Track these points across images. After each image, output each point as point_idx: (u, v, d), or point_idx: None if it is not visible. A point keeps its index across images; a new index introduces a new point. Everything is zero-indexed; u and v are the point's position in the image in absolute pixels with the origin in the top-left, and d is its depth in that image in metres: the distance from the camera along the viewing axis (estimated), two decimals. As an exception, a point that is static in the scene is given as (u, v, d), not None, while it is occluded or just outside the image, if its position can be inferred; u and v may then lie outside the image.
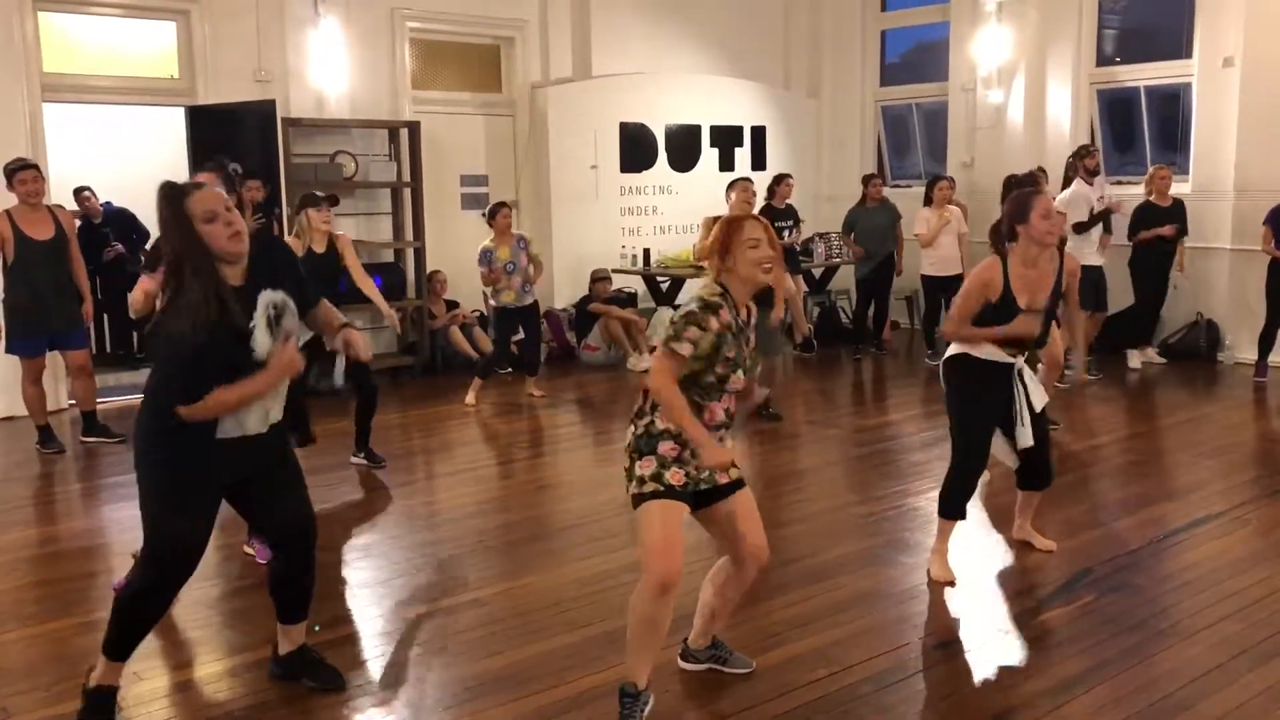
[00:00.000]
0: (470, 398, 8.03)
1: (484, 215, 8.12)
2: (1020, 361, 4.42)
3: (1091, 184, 8.61)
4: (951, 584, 4.43)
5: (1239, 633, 3.90)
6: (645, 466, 3.19)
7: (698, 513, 3.33)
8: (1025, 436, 4.43)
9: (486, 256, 7.84)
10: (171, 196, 3.07)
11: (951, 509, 4.53)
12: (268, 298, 3.19)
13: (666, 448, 3.19)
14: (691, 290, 3.10)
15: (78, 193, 9.72)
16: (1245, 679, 3.55)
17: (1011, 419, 4.43)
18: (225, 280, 3.09)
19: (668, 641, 3.42)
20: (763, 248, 3.22)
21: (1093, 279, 8.57)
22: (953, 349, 4.49)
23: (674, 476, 3.18)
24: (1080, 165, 8.70)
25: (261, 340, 3.15)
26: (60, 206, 7.24)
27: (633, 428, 3.27)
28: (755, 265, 3.22)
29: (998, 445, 4.57)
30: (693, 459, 3.18)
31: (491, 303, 8.14)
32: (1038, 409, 4.45)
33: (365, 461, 6.39)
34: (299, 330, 3.31)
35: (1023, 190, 4.51)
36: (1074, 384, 8.09)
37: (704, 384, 3.20)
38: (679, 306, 3.22)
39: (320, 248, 6.14)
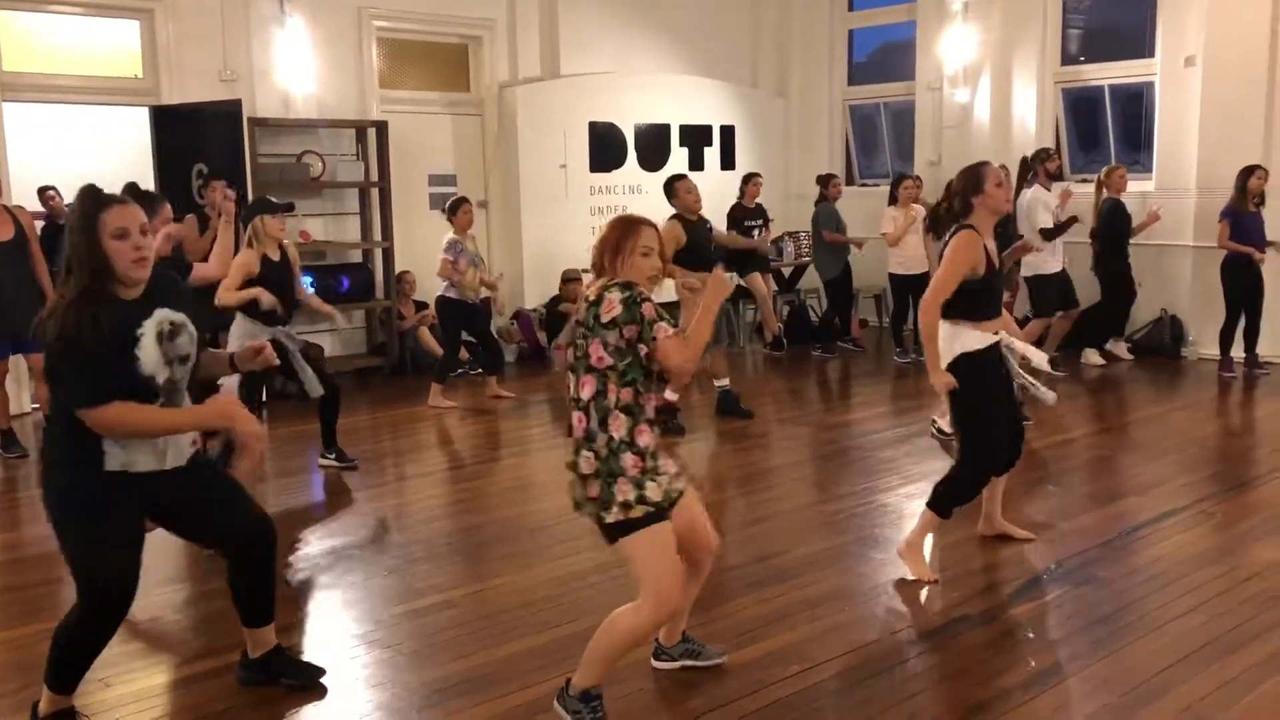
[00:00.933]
0: (438, 401, 7.94)
1: (444, 211, 8.00)
2: (1006, 337, 4.50)
3: (1049, 189, 8.67)
4: (934, 582, 4.43)
5: (1204, 624, 3.95)
6: (625, 490, 3.03)
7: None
8: (1046, 395, 4.56)
9: (456, 247, 7.75)
10: (89, 202, 3.08)
11: (955, 507, 4.53)
12: (164, 314, 3.14)
13: (631, 462, 3.05)
14: (667, 288, 3.07)
15: (41, 192, 9.60)
16: (1211, 669, 3.59)
17: (1015, 391, 4.54)
18: (112, 294, 3.06)
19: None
20: (653, 258, 3.15)
21: (1057, 283, 8.66)
22: (955, 353, 4.42)
23: (653, 492, 3.06)
24: (1041, 169, 8.72)
25: (148, 353, 3.08)
26: (20, 207, 7.15)
27: (586, 453, 3.08)
28: (643, 274, 3.14)
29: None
30: (658, 472, 3.12)
31: (450, 294, 7.88)
32: (1042, 364, 4.56)
33: (336, 462, 6.34)
34: (193, 357, 3.24)
35: (970, 166, 4.56)
36: None
37: (649, 373, 3.12)
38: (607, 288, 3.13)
39: (275, 255, 6.01)
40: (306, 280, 7.84)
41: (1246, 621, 3.97)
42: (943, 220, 4.53)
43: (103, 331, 2.99)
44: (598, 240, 3.26)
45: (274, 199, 6.21)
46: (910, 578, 4.46)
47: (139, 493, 3.17)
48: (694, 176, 8.79)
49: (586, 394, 3.09)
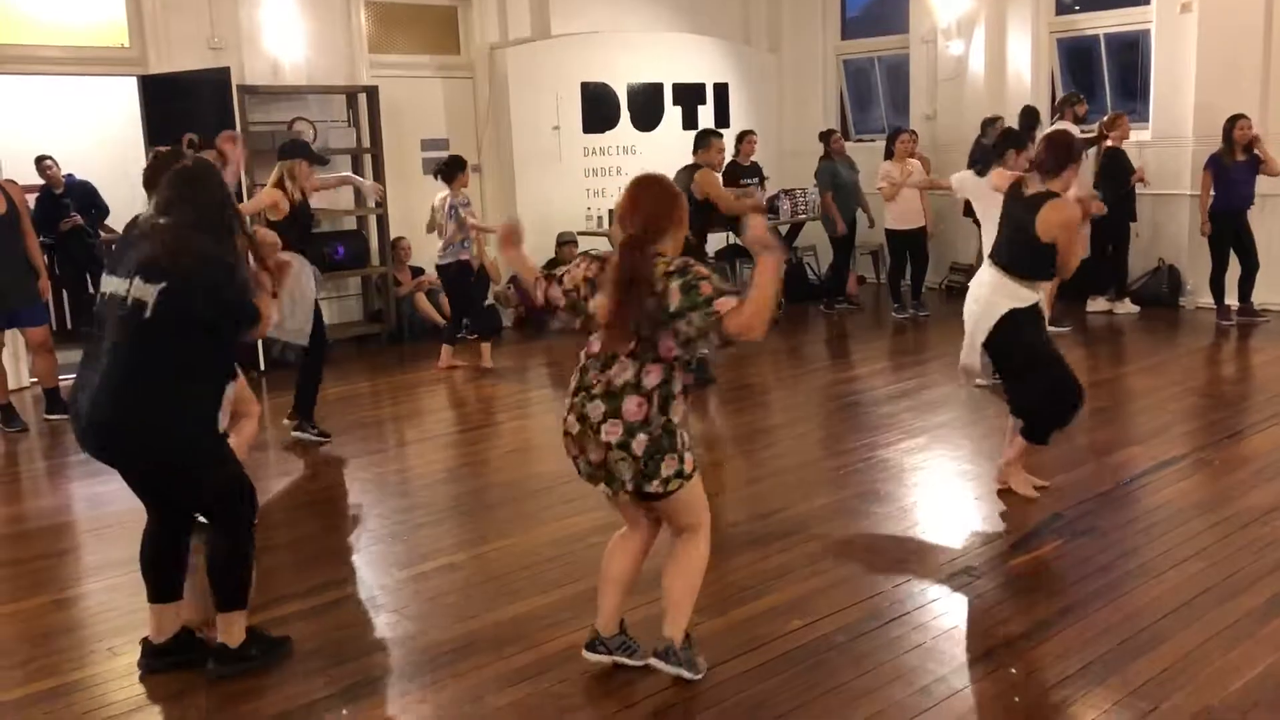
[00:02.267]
0: (487, 361, 8.01)
1: (436, 174, 7.90)
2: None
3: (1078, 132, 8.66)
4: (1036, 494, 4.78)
5: (1202, 571, 3.98)
6: (671, 464, 3.09)
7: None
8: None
9: (469, 204, 7.80)
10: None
11: (1054, 430, 4.75)
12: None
13: (683, 439, 3.15)
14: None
15: (39, 161, 9.52)
16: (1209, 616, 3.62)
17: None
18: None
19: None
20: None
21: None
22: (1009, 306, 4.60)
23: (689, 464, 3.17)
24: (1069, 112, 8.84)
25: None
26: (11, 181, 7.10)
27: (642, 435, 3.07)
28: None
29: (980, 362, 4.87)
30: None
31: (464, 257, 7.90)
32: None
33: (305, 435, 6.24)
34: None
35: (1066, 133, 4.84)
36: None
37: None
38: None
39: (297, 199, 6.21)
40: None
41: (1244, 567, 4.00)
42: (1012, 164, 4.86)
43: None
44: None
45: (315, 150, 6.44)
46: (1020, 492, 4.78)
47: None
48: (687, 136, 8.76)
49: (651, 382, 3.09)
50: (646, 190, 3.22)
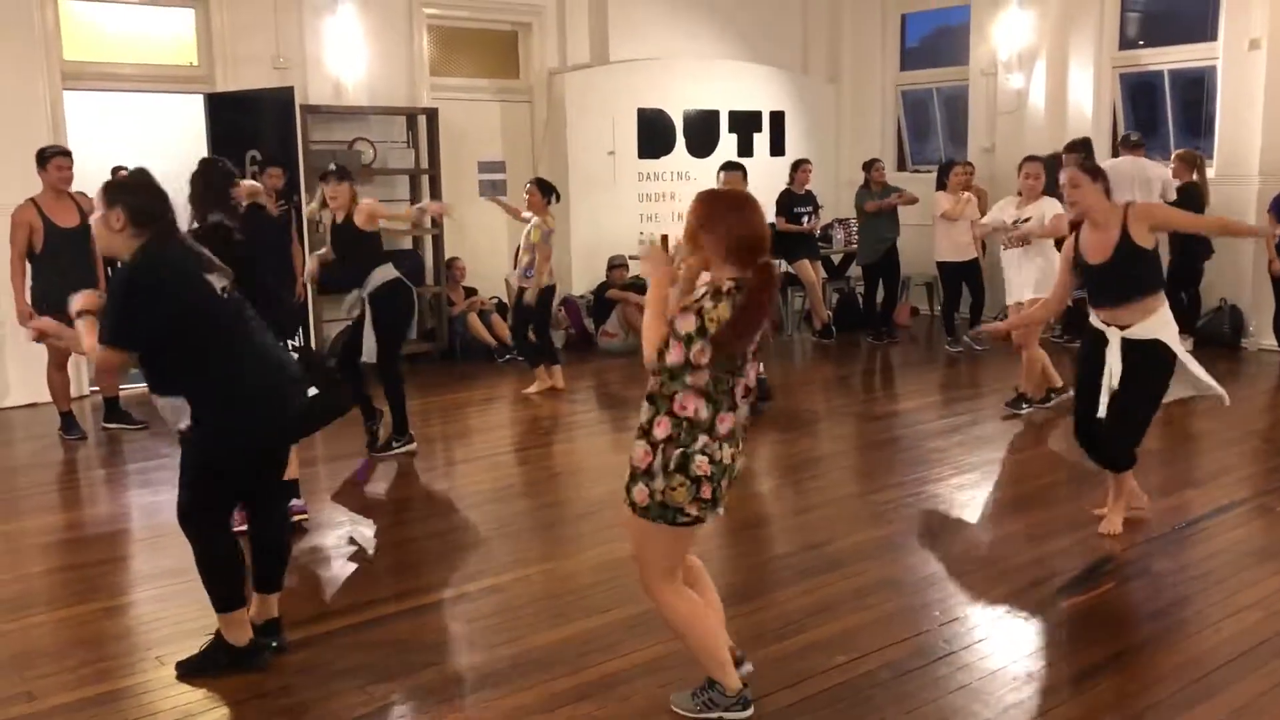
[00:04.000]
0: (559, 382, 8.04)
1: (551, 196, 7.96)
2: (1114, 334, 4.56)
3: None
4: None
5: (1260, 622, 3.88)
6: (684, 493, 3.01)
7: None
8: (1103, 408, 4.55)
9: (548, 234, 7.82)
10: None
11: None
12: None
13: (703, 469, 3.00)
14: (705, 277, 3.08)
15: (114, 172, 9.73)
16: (1267, 669, 3.52)
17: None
18: None
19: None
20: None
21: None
22: (1161, 334, 4.54)
23: (706, 491, 3.02)
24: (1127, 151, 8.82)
25: None
26: (82, 194, 7.27)
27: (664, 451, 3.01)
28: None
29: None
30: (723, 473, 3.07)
31: (548, 282, 7.92)
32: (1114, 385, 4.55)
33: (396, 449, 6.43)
34: None
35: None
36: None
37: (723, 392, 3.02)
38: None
39: (339, 218, 6.38)
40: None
41: (1305, 619, 3.90)
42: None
43: None
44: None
45: (331, 166, 6.63)
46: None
47: None
48: (742, 163, 8.76)
49: (740, 395, 3.06)
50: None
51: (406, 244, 9.57)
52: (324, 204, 6.53)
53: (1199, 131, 9.89)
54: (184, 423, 3.43)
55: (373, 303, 6.27)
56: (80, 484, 6.20)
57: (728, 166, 7.79)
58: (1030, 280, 6.94)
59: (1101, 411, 4.51)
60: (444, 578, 4.50)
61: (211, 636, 3.64)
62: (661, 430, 2.98)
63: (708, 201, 3.08)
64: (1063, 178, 4.67)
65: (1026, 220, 6.93)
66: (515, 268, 7.99)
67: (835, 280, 11.06)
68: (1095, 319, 4.66)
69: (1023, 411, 6.97)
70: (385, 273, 6.36)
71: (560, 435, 7.10)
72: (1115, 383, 4.49)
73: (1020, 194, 7.13)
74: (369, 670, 3.62)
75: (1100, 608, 4.09)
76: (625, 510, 3.12)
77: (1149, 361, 4.52)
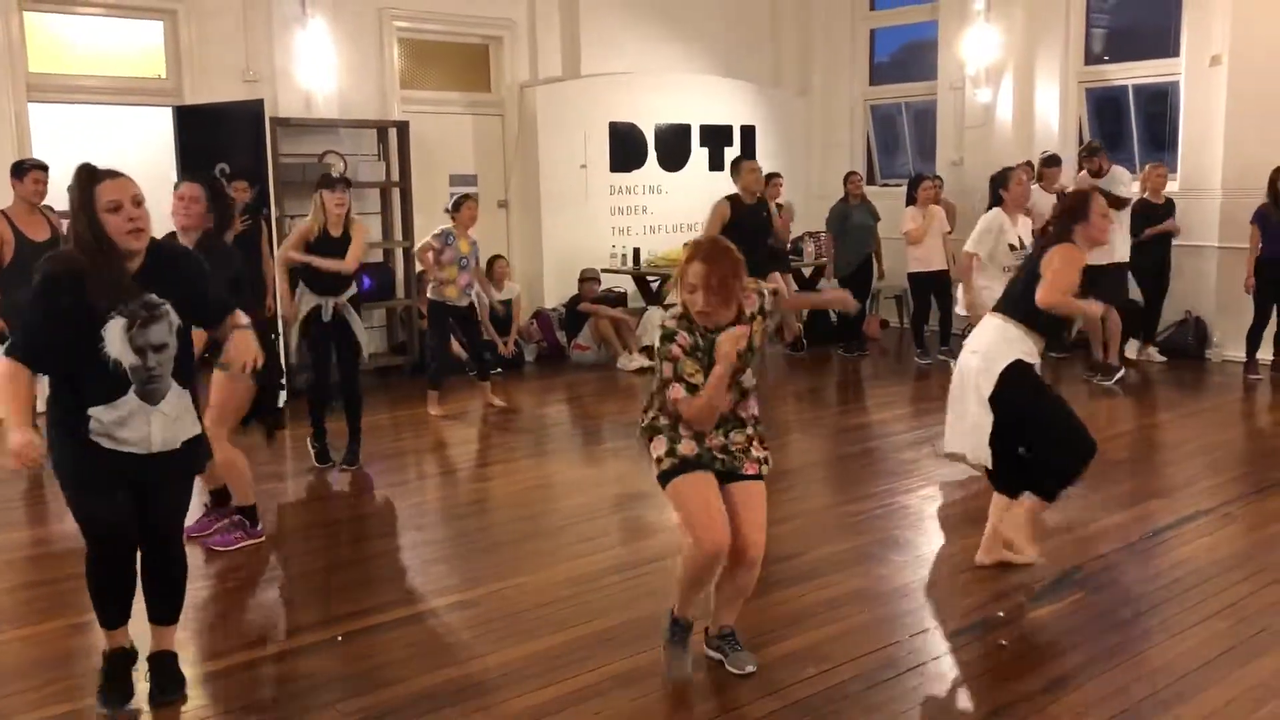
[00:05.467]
0: (434, 410, 7.73)
1: (447, 210, 7.73)
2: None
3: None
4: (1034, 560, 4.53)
5: (1226, 630, 3.92)
6: (658, 446, 3.37)
7: (730, 489, 3.43)
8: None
9: (447, 237, 7.50)
10: (83, 180, 3.20)
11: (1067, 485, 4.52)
12: (145, 299, 3.22)
13: (667, 430, 3.40)
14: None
15: None
16: (1233, 676, 3.56)
17: None
18: (106, 267, 3.16)
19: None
20: (696, 295, 3.27)
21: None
22: (1008, 360, 4.37)
23: (686, 448, 3.35)
24: (1086, 163, 8.85)
25: (113, 336, 3.17)
26: (49, 208, 7.21)
27: (641, 419, 3.48)
28: (691, 305, 3.30)
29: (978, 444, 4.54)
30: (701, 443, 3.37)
31: (430, 296, 7.70)
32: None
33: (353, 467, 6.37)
34: (171, 346, 3.28)
35: (1079, 190, 4.63)
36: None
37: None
38: (670, 306, 3.31)
39: (335, 231, 6.28)
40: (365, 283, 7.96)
41: (1270, 625, 3.94)
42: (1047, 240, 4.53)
43: (67, 301, 3.12)
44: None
45: (334, 175, 6.56)
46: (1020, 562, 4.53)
47: (114, 463, 3.26)
48: (714, 177, 8.82)
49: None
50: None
51: (377, 257, 9.54)
52: (323, 219, 6.30)
53: (1163, 145, 10.03)
54: (189, 417, 3.40)
55: (353, 306, 6.41)
56: (48, 499, 6.11)
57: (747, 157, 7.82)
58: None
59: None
60: (414, 593, 4.47)
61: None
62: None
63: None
64: (1102, 206, 4.44)
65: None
66: (472, 286, 7.78)
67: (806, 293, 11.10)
68: (1031, 354, 4.45)
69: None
70: (353, 288, 6.47)
71: (533, 448, 7.08)
72: None
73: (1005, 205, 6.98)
74: (339, 687, 3.60)
75: (1069, 617, 4.13)
76: (761, 483, 3.47)
77: None
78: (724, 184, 7.94)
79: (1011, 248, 6.65)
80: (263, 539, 5.05)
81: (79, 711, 3.45)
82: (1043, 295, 4.28)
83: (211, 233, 4.79)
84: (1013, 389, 4.36)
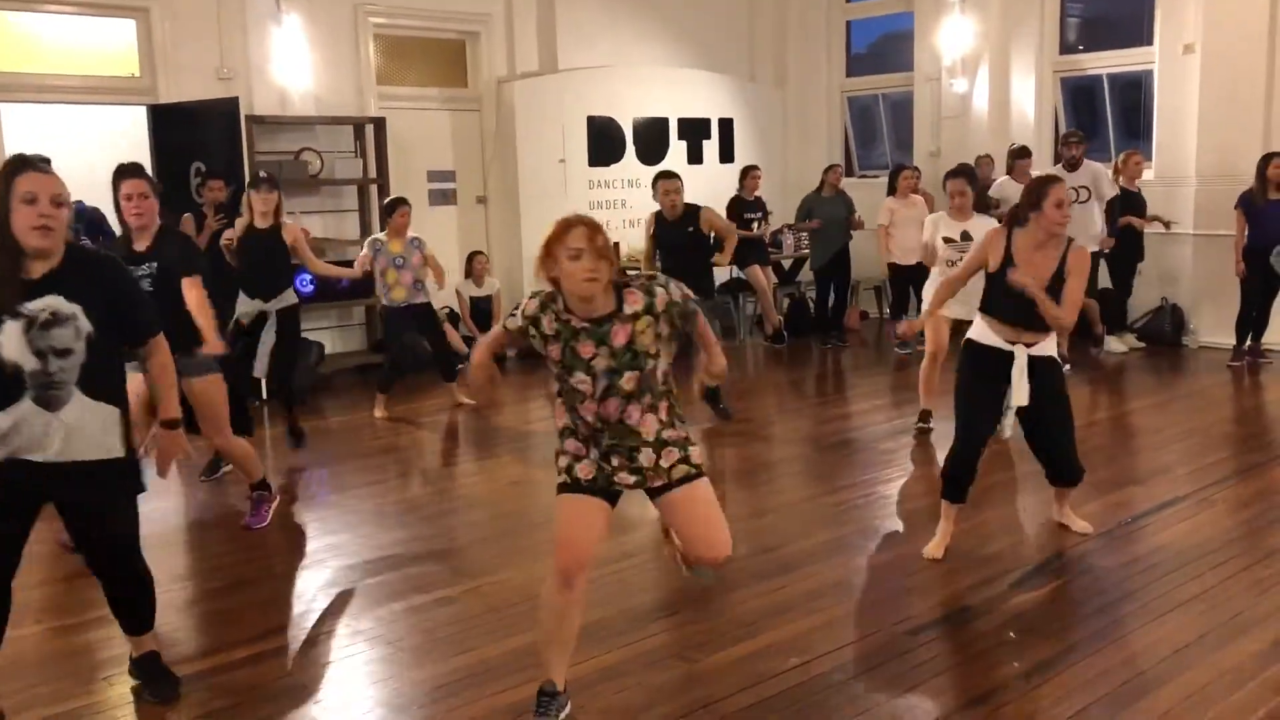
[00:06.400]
0: (378, 412, 7.60)
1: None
2: (1021, 352, 4.48)
3: (1071, 173, 8.61)
4: (936, 560, 4.53)
5: (1204, 614, 3.95)
6: (560, 460, 3.22)
7: (654, 502, 3.29)
8: (1005, 427, 4.53)
9: (375, 246, 7.50)
10: (8, 169, 3.10)
11: (948, 491, 4.60)
12: (50, 301, 3.06)
13: (570, 444, 3.20)
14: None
15: None
16: (1211, 659, 3.59)
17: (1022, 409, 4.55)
18: (15, 265, 3.05)
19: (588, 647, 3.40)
20: (583, 259, 2.94)
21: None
22: (968, 333, 4.63)
23: (583, 470, 3.17)
24: (1063, 151, 8.88)
25: (9, 338, 3.03)
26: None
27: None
28: (572, 277, 2.98)
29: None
30: (605, 460, 3.16)
31: (383, 303, 7.76)
32: (1012, 406, 4.53)
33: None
34: (77, 352, 3.12)
35: (1041, 176, 4.63)
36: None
37: (565, 389, 3.16)
38: (534, 295, 3.20)
39: (261, 224, 6.45)
40: (306, 277, 7.88)
41: (1247, 610, 3.98)
42: (1009, 222, 4.58)
43: None
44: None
45: (260, 174, 6.74)
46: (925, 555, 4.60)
47: (11, 475, 3.15)
48: (693, 170, 8.77)
49: None
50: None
51: (355, 255, 9.48)
52: (252, 215, 6.52)
53: (1138, 134, 10.09)
54: (116, 438, 3.24)
55: (282, 318, 6.45)
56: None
57: (665, 176, 7.44)
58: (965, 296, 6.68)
59: (1008, 433, 4.56)
60: (396, 591, 4.45)
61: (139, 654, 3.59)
62: (676, 408, 3.26)
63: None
64: (1058, 196, 4.40)
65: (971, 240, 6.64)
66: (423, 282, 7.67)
67: (786, 285, 11.13)
68: (994, 338, 4.52)
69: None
70: (291, 295, 6.50)
71: (514, 444, 7.07)
72: (1024, 400, 4.49)
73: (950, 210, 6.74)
74: (320, 687, 3.58)
75: (1049, 604, 4.15)
76: (698, 484, 3.22)
77: (1056, 372, 4.60)
78: (703, 178, 7.94)
79: (947, 240, 6.57)
80: (279, 497, 5.43)
81: (64, 715, 3.43)
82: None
83: (167, 229, 4.78)
84: (959, 368, 4.66)
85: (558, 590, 3.15)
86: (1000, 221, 5.04)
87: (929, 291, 6.64)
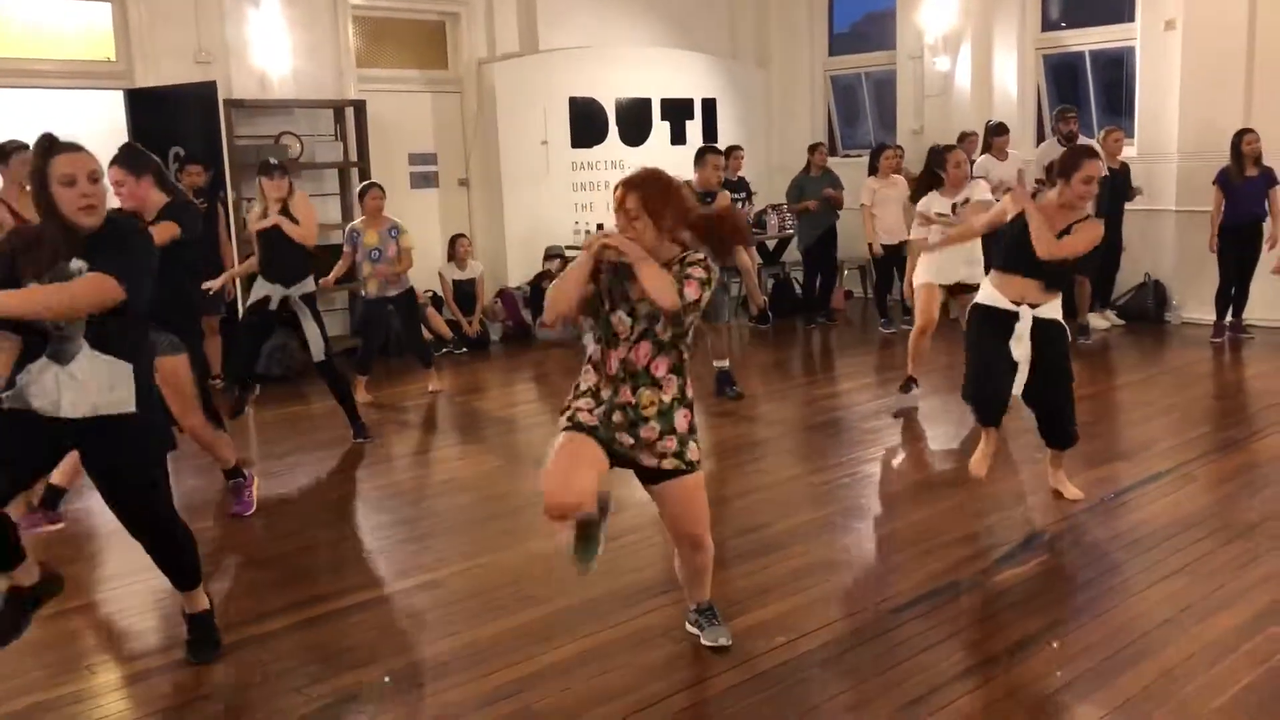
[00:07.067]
0: (361, 395, 7.42)
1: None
2: (1027, 311, 4.63)
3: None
4: (980, 479, 4.91)
5: (1187, 587, 3.98)
6: (567, 411, 3.33)
7: (647, 489, 3.37)
8: (1016, 385, 4.61)
9: (352, 237, 7.45)
10: (40, 151, 3.25)
11: (981, 415, 4.92)
12: (81, 265, 3.20)
13: (582, 402, 3.31)
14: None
15: None
16: (1193, 632, 3.62)
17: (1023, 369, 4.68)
18: (71, 240, 3.21)
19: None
20: (617, 219, 3.21)
21: None
22: (975, 297, 4.89)
23: (586, 417, 3.27)
24: (1059, 126, 8.90)
25: None
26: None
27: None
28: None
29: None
30: (608, 418, 3.25)
31: (361, 293, 7.74)
32: (1017, 360, 4.64)
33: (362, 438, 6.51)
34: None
35: (1080, 147, 4.77)
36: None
37: (600, 331, 3.33)
38: None
39: (275, 210, 6.29)
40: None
41: (1229, 583, 4.01)
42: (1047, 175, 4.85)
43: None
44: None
45: (271, 160, 6.53)
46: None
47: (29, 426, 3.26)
48: (676, 150, 8.73)
49: None
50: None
51: (337, 239, 9.42)
52: (265, 206, 6.36)
53: (1120, 110, 10.10)
54: (129, 392, 3.29)
55: (308, 303, 6.29)
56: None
57: (714, 150, 7.57)
58: (960, 260, 6.60)
59: (1018, 389, 4.66)
60: (382, 573, 4.45)
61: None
62: (689, 389, 3.31)
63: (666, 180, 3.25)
64: (1089, 172, 4.55)
65: (964, 201, 6.58)
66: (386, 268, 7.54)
67: (770, 266, 11.13)
68: (999, 298, 4.70)
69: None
70: (310, 281, 6.36)
71: (499, 427, 7.06)
72: (1022, 358, 4.63)
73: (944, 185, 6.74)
74: (305, 670, 3.58)
75: (1034, 579, 4.18)
76: (687, 480, 3.29)
77: (1062, 337, 4.74)
78: (687, 158, 7.86)
79: (940, 215, 6.61)
80: (254, 479, 5.35)
81: (46, 704, 3.41)
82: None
83: (175, 205, 4.76)
84: (968, 327, 4.90)
85: (551, 523, 3.22)
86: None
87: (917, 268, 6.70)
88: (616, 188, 3.20)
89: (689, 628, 3.68)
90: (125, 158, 4.80)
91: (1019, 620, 3.78)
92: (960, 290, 6.44)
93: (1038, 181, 5.27)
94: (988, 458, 4.91)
